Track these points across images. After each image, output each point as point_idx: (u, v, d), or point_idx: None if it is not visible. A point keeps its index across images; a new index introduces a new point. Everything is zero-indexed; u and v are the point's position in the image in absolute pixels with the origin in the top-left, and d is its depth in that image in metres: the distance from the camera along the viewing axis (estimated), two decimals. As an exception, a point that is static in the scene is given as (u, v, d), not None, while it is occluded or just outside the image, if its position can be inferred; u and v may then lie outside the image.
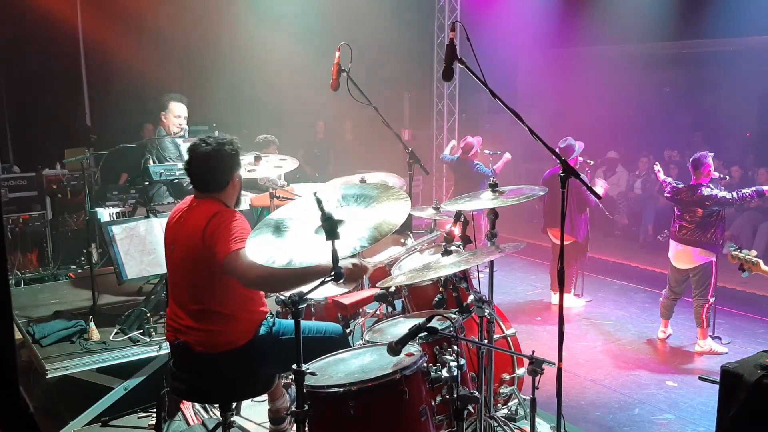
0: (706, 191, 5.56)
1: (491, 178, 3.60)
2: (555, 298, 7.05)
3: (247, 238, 2.71)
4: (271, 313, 3.12)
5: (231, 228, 2.80)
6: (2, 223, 0.92)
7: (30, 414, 0.98)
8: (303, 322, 2.58)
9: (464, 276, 3.44)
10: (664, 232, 6.35)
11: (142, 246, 4.18)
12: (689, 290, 5.97)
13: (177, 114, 5.43)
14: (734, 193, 5.54)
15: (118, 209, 5.75)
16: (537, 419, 2.86)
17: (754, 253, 4.45)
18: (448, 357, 2.79)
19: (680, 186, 5.82)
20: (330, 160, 10.85)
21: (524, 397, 3.73)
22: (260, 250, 2.57)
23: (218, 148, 2.94)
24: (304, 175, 8.96)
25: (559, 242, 6.64)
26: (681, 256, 5.74)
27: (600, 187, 6.81)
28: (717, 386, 3.01)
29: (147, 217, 4.38)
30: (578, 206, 6.67)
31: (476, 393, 2.77)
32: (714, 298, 5.70)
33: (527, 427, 3.09)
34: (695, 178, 5.66)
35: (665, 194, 5.94)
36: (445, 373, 2.68)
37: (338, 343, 3.14)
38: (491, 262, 3.58)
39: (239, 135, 3.15)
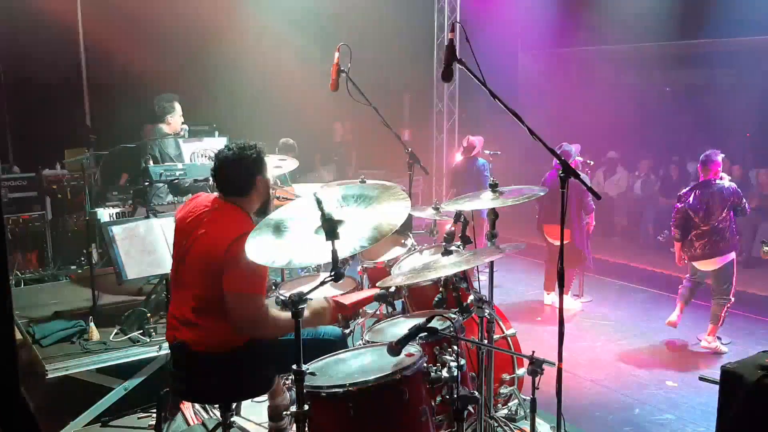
0: (728, 187, 5.56)
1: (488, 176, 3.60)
2: (548, 298, 7.04)
3: (262, 285, 2.81)
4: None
5: (248, 264, 2.64)
6: (3, 223, 0.93)
7: (31, 414, 0.98)
8: (303, 323, 2.58)
9: (464, 276, 3.44)
10: (664, 233, 6.31)
11: (142, 246, 4.18)
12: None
13: (180, 113, 5.58)
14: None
15: (118, 209, 5.75)
16: (537, 419, 2.85)
17: None
18: (448, 357, 2.79)
19: (688, 189, 5.76)
20: (350, 162, 10.70)
21: (524, 397, 3.74)
22: (260, 250, 2.57)
23: (239, 153, 2.98)
24: (321, 180, 8.84)
25: (553, 241, 6.70)
26: (704, 263, 5.73)
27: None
28: (717, 386, 3.00)
29: (147, 217, 4.38)
30: (577, 211, 6.65)
31: (476, 393, 2.77)
32: (734, 298, 5.69)
33: (527, 428, 3.09)
34: (704, 176, 5.65)
35: (683, 204, 5.71)
36: (445, 373, 2.67)
37: (336, 345, 3.14)
38: (491, 263, 3.58)
39: (239, 135, 3.16)
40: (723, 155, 5.77)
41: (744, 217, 5.70)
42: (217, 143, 5.10)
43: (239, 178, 2.99)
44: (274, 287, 3.99)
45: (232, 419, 3.19)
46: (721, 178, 5.68)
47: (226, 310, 2.83)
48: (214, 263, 2.83)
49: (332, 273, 2.44)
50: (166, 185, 5.17)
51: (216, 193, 3.07)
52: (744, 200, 5.61)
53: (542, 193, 3.45)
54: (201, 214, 2.98)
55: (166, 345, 3.65)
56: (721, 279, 5.67)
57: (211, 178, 3.16)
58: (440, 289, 3.43)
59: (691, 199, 5.65)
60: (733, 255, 5.64)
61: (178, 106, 5.60)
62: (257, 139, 3.15)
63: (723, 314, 5.66)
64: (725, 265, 5.63)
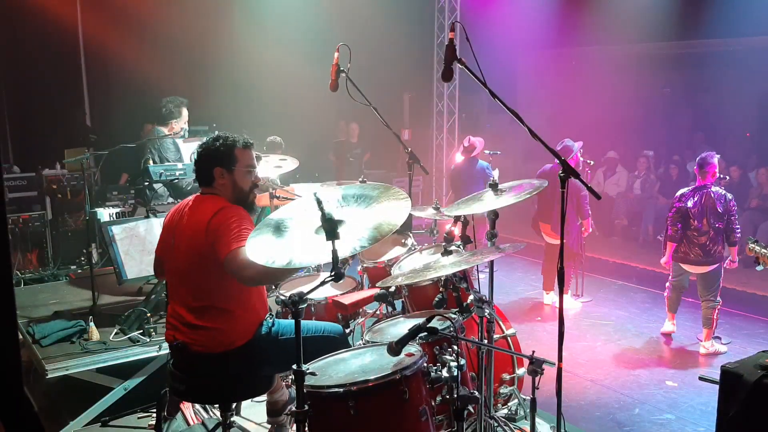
0: (726, 194, 5.53)
1: (491, 179, 3.57)
2: (547, 298, 7.04)
3: (248, 237, 2.72)
4: (270, 314, 3.12)
5: (232, 226, 2.82)
6: (5, 223, 0.93)
7: (34, 413, 0.99)
8: (303, 322, 2.58)
9: (464, 276, 3.44)
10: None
11: (142, 246, 4.18)
12: (688, 291, 5.99)
13: (186, 119, 5.50)
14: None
15: (118, 209, 5.75)
16: (537, 419, 2.86)
17: None
18: (448, 357, 2.79)
19: (688, 191, 5.71)
20: (362, 164, 10.57)
21: (524, 397, 3.74)
22: (260, 250, 2.57)
23: (204, 144, 3.05)
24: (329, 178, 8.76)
25: (549, 240, 6.70)
26: (693, 267, 5.72)
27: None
28: (717, 386, 3.01)
29: (147, 217, 4.38)
30: (576, 212, 6.65)
31: (476, 393, 2.77)
32: (721, 300, 5.68)
33: (527, 427, 3.09)
34: (701, 179, 5.64)
35: (683, 204, 5.63)
36: (445, 373, 2.68)
37: (338, 342, 3.14)
38: (491, 263, 3.58)
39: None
40: (719, 156, 5.75)
41: (732, 235, 5.59)
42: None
43: (200, 169, 3.06)
44: (274, 287, 3.99)
45: (232, 419, 3.19)
46: (718, 179, 5.67)
47: (232, 289, 2.88)
48: (201, 249, 2.86)
49: (332, 273, 2.44)
50: (165, 187, 5.19)
51: (194, 195, 3.12)
52: (736, 213, 5.58)
53: (543, 185, 3.41)
54: (181, 214, 3.04)
55: (166, 345, 3.65)
56: (709, 282, 5.65)
57: None
58: (440, 289, 3.43)
59: (691, 202, 5.62)
60: (722, 261, 5.64)
61: (185, 112, 5.49)
62: (258, 138, 3.16)
63: (715, 317, 5.64)
64: (714, 269, 5.62)
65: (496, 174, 7.64)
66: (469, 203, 3.56)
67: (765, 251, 4.54)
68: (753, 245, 4.58)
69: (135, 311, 4.03)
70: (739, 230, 5.54)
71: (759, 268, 4.56)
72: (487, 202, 3.42)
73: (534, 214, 7.05)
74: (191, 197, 3.12)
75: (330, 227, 2.43)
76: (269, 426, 3.54)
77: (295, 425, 2.49)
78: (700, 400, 4.80)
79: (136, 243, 4.19)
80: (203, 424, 3.86)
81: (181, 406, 4.02)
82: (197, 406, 4.02)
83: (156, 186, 5.14)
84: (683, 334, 6.11)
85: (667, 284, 6.00)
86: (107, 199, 6.87)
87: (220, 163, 3.01)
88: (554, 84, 11.88)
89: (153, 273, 3.35)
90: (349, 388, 2.46)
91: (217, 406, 3.46)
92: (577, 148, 6.53)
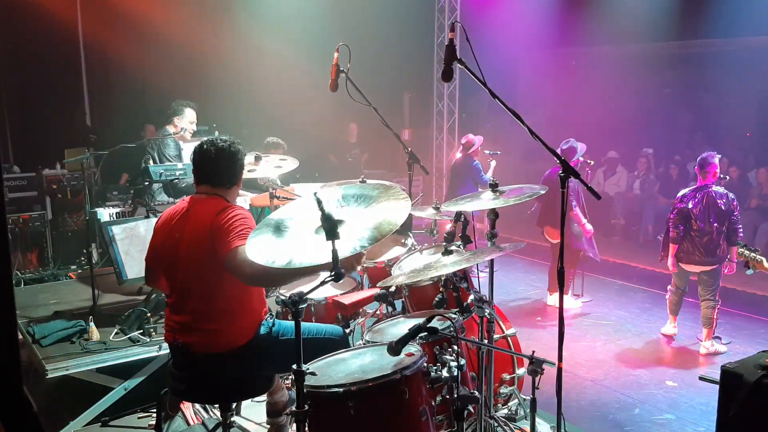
0: (729, 193, 5.51)
1: (487, 180, 3.59)
2: (551, 299, 7.04)
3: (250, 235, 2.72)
4: (270, 314, 3.12)
5: (236, 223, 2.83)
6: (5, 223, 0.93)
7: (33, 413, 0.99)
8: (303, 324, 2.58)
9: (464, 276, 3.44)
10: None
11: (142, 246, 4.17)
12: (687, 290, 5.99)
13: (192, 120, 5.77)
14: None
15: (118, 209, 5.75)
16: (537, 419, 2.86)
17: (759, 251, 4.58)
18: (448, 357, 2.79)
19: (689, 191, 5.70)
20: (361, 164, 10.57)
21: (524, 397, 3.74)
22: (260, 250, 2.57)
23: (234, 146, 3.08)
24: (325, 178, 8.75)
25: (555, 242, 6.68)
26: (694, 267, 5.71)
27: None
28: (717, 386, 3.01)
29: (147, 217, 4.38)
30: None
31: (476, 393, 2.77)
32: (720, 299, 5.68)
33: (527, 427, 3.09)
34: (702, 179, 5.63)
35: (684, 205, 5.61)
36: (445, 373, 2.67)
37: (338, 344, 3.14)
38: (491, 262, 3.58)
39: (239, 135, 3.17)
40: (720, 156, 5.74)
41: (735, 236, 5.57)
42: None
43: (233, 169, 3.08)
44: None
45: (232, 419, 3.19)
46: (719, 179, 5.67)
47: (232, 290, 2.88)
48: (202, 251, 2.85)
49: (332, 273, 2.44)
50: (160, 185, 5.20)
51: (188, 197, 3.09)
52: (738, 213, 5.58)
53: (542, 192, 3.45)
54: (181, 217, 3.00)
55: (166, 345, 3.65)
56: (709, 282, 5.64)
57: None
58: (440, 288, 3.44)
59: (692, 203, 5.61)
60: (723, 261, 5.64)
61: (189, 112, 5.74)
62: (258, 138, 3.17)
63: (714, 317, 5.64)
64: (716, 269, 5.61)
65: (492, 165, 7.68)
66: (466, 201, 3.57)
67: (754, 255, 4.56)
68: (742, 249, 4.61)
69: (135, 311, 4.03)
70: (741, 230, 5.54)
71: (749, 272, 4.57)
72: (485, 201, 3.43)
73: (538, 219, 7.03)
74: (184, 200, 3.07)
75: (330, 227, 2.43)
76: (269, 426, 3.54)
77: (295, 425, 2.49)
78: (700, 400, 4.80)
79: (136, 243, 4.19)
80: (203, 424, 3.86)
81: (181, 406, 4.02)
82: (197, 406, 4.02)
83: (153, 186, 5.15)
84: (683, 334, 6.11)
85: (669, 287, 5.99)
86: (107, 199, 6.88)
87: (244, 166, 3.15)
88: (554, 84, 11.88)
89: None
90: (349, 388, 2.46)
91: (217, 406, 3.46)
92: (580, 151, 6.52)
